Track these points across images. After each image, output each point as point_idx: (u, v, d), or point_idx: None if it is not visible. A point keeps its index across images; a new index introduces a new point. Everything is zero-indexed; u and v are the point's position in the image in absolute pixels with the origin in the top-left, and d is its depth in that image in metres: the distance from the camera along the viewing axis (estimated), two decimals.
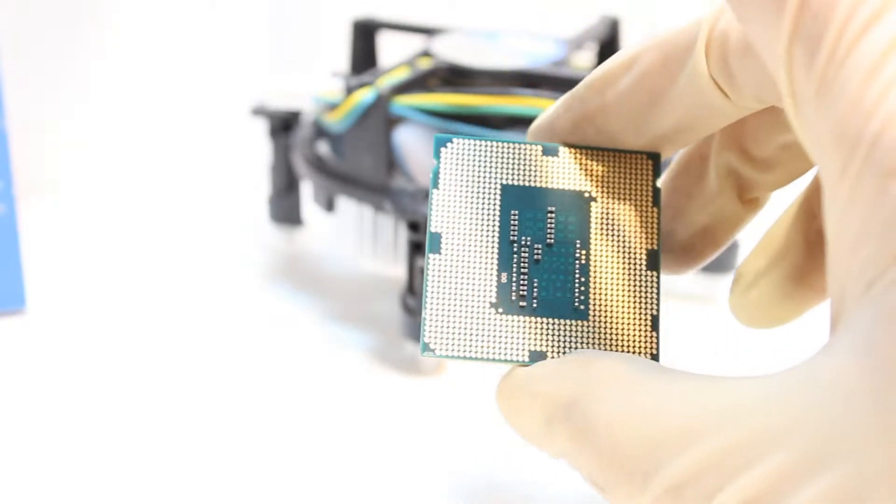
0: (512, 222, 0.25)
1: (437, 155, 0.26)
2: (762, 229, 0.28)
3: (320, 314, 0.48)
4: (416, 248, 0.43)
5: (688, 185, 0.27)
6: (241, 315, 0.48)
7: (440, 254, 0.25)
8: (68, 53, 0.59)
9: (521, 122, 0.45)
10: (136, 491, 0.37)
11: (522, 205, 0.25)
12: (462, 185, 0.25)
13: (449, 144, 0.26)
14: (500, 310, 0.25)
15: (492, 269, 0.25)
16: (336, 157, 0.48)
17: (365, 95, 0.45)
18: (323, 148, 0.49)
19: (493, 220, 0.25)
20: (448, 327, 0.24)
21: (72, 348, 0.45)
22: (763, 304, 0.27)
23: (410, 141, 0.46)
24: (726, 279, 0.48)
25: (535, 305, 0.25)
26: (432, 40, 0.49)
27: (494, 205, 0.25)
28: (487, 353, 0.24)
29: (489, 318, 0.24)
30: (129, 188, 0.59)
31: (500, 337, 0.24)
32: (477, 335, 0.24)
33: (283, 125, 0.51)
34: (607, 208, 0.26)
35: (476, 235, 0.25)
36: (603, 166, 0.26)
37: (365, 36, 0.53)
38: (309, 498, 0.36)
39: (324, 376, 0.44)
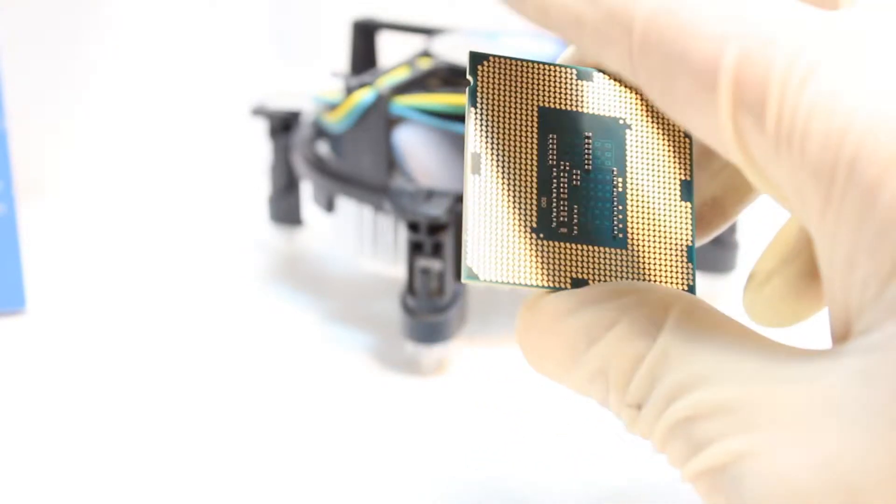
0: (550, 146, 0.25)
1: (474, 72, 0.25)
2: (773, 229, 0.28)
3: (320, 314, 0.48)
4: (416, 248, 0.43)
5: (698, 152, 0.27)
6: (241, 315, 0.48)
7: (480, 175, 0.24)
8: (68, 53, 0.59)
9: None
10: (136, 491, 0.37)
11: (560, 129, 0.25)
12: (500, 105, 0.25)
13: (486, 62, 0.25)
14: (542, 235, 0.24)
15: (532, 192, 0.24)
16: (336, 157, 0.48)
17: (365, 95, 0.45)
18: (323, 148, 0.49)
19: (532, 143, 0.24)
20: (491, 251, 0.24)
21: (72, 348, 0.45)
22: (776, 302, 0.27)
23: (410, 141, 0.46)
24: (726, 279, 0.48)
25: (575, 232, 0.24)
26: (432, 40, 0.49)
27: (532, 127, 0.25)
28: (531, 279, 0.24)
29: (531, 244, 0.24)
30: (129, 188, 0.59)
31: (543, 263, 0.24)
32: (520, 260, 0.24)
33: (283, 125, 0.51)
34: (642, 136, 0.25)
35: (516, 157, 0.24)
36: (636, 93, 0.25)
37: (365, 36, 0.53)
38: (309, 498, 0.36)
39: (324, 376, 0.44)
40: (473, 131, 0.24)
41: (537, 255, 0.24)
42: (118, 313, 0.48)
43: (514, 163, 0.24)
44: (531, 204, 0.24)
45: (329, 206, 0.48)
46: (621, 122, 0.25)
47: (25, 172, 0.50)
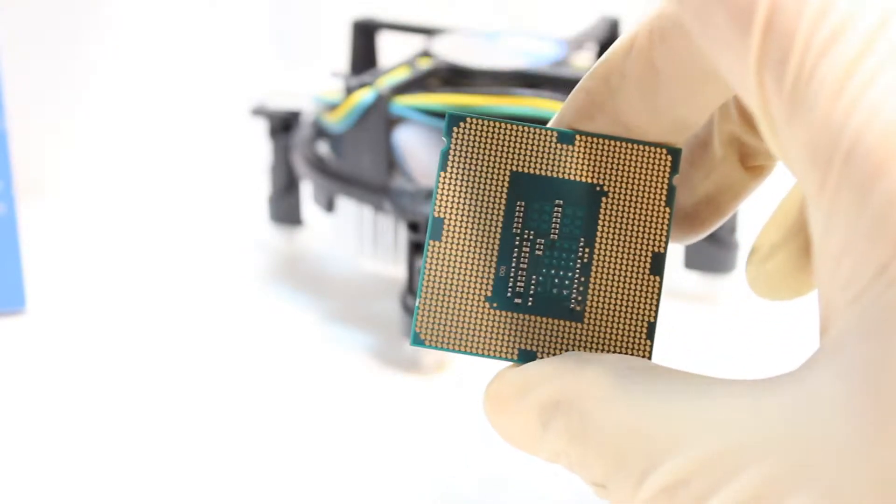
0: (517, 213, 0.24)
1: (449, 134, 0.24)
2: (773, 207, 0.28)
3: (320, 314, 0.48)
4: (416, 248, 0.43)
5: (691, 152, 0.26)
6: (241, 315, 0.48)
7: (440, 241, 0.24)
8: (68, 53, 0.59)
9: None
10: (136, 491, 0.37)
11: (530, 195, 0.24)
12: (470, 169, 0.24)
13: (462, 124, 0.24)
14: (495, 304, 0.24)
15: (491, 261, 0.24)
16: (336, 157, 0.48)
17: (365, 95, 0.45)
18: (323, 148, 0.49)
19: (499, 210, 0.24)
20: (441, 318, 0.24)
21: (72, 348, 0.45)
22: (779, 276, 0.27)
23: (410, 141, 0.46)
24: (727, 279, 0.48)
25: (530, 303, 0.24)
26: (432, 40, 0.49)
27: (502, 193, 0.24)
28: (477, 347, 0.24)
29: (483, 312, 0.24)
30: (129, 188, 0.59)
31: (492, 332, 0.24)
32: (469, 329, 0.24)
33: (283, 125, 0.51)
34: (618, 204, 0.25)
35: (479, 224, 0.24)
36: (619, 158, 0.25)
37: (365, 36, 0.53)
38: (309, 498, 0.36)
39: (324, 376, 0.44)
40: (439, 196, 0.24)
41: (487, 325, 0.24)
42: (118, 313, 0.48)
43: (477, 230, 0.24)
44: (489, 272, 0.24)
45: (329, 206, 0.48)
46: (598, 188, 0.25)
47: (25, 172, 0.50)
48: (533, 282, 0.24)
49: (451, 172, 0.24)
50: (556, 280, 0.24)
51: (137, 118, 0.62)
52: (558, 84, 0.46)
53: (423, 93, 0.46)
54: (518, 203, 0.24)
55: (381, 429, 0.40)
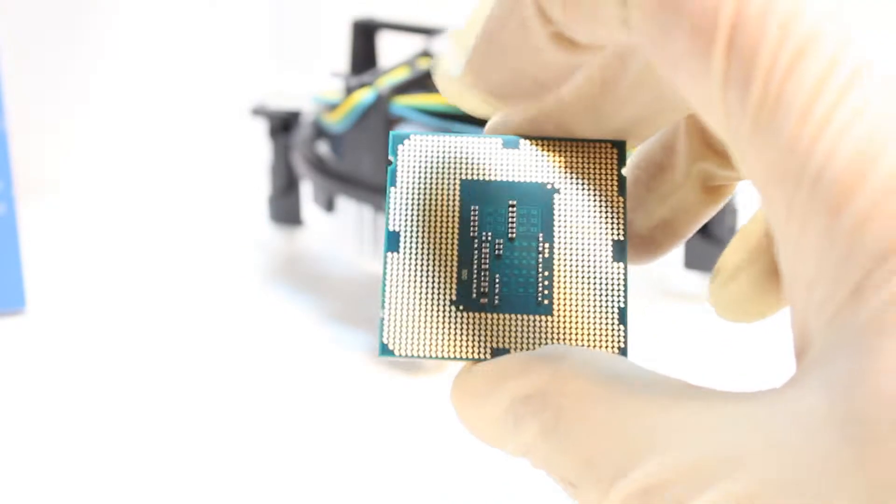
0: (472, 218, 0.24)
1: (394, 152, 0.25)
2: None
3: (320, 314, 0.48)
4: None
5: (648, 176, 0.26)
6: (242, 315, 0.48)
7: (398, 252, 0.24)
8: (68, 53, 0.59)
9: None
10: (136, 491, 0.37)
11: (483, 200, 0.25)
12: (420, 182, 0.25)
13: (406, 141, 0.25)
14: (461, 307, 0.24)
15: (451, 266, 0.24)
16: (336, 157, 0.48)
17: (365, 95, 0.45)
18: (323, 148, 0.49)
19: (453, 217, 0.24)
20: (407, 327, 0.24)
21: (72, 348, 0.45)
22: (741, 298, 0.27)
23: None
24: None
25: (497, 302, 0.24)
26: (432, 40, 0.49)
27: (454, 201, 0.25)
28: (448, 351, 0.24)
29: (450, 316, 0.24)
30: (128, 188, 0.59)
31: (462, 334, 0.24)
32: (437, 333, 0.24)
33: (283, 125, 0.51)
34: (571, 199, 0.25)
35: (435, 232, 0.24)
36: (565, 157, 0.25)
37: (365, 36, 0.53)
38: (309, 497, 0.36)
39: (324, 376, 0.44)
40: (392, 210, 0.24)
41: (456, 328, 0.24)
42: (118, 313, 0.48)
43: (434, 237, 0.25)
44: (451, 277, 0.24)
45: (329, 206, 0.48)
46: (549, 186, 0.25)
47: (25, 172, 0.50)
48: (497, 281, 0.24)
49: (401, 187, 0.25)
50: (521, 277, 0.24)
51: (137, 118, 0.62)
52: None
53: (423, 93, 0.46)
54: (472, 207, 0.25)
55: (380, 429, 0.40)
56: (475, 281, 0.24)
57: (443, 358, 0.24)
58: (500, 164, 0.25)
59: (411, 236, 0.24)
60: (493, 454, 0.39)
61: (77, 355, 0.45)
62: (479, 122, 0.45)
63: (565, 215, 0.25)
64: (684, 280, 0.49)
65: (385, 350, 0.23)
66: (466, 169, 0.25)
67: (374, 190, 0.45)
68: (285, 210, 0.53)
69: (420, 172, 0.25)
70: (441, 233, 0.25)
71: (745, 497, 0.18)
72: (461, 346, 0.24)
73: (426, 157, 0.25)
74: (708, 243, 0.48)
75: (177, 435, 0.39)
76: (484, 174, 0.25)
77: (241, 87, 0.63)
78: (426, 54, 0.49)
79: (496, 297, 0.24)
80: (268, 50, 0.67)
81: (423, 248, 0.24)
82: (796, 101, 0.18)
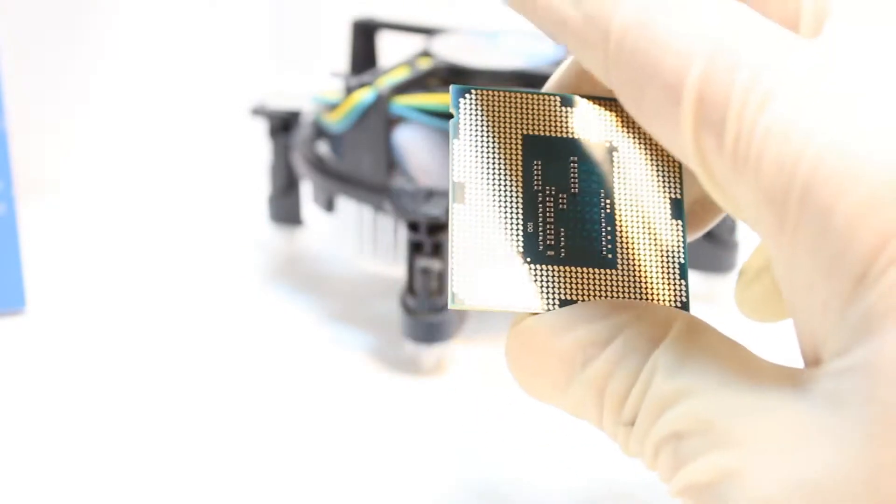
0: (535, 172, 0.25)
1: (456, 105, 0.25)
2: None
3: (320, 314, 0.48)
4: (416, 248, 0.43)
5: None
6: (242, 315, 0.48)
7: (465, 203, 0.24)
8: (68, 53, 0.59)
9: None
10: (136, 491, 0.37)
11: (545, 155, 0.25)
12: (483, 135, 0.25)
13: (467, 95, 0.25)
14: (529, 258, 0.24)
15: (517, 218, 0.24)
16: (336, 157, 0.48)
17: (365, 95, 0.45)
18: (323, 148, 0.49)
19: (517, 170, 0.25)
20: (476, 277, 0.24)
21: (72, 348, 0.45)
22: (764, 299, 0.28)
23: (410, 141, 0.46)
24: (726, 279, 0.48)
25: (562, 254, 0.24)
26: (432, 40, 0.49)
27: (517, 154, 0.25)
28: (518, 303, 0.24)
29: (518, 267, 0.24)
30: (129, 188, 0.59)
31: (530, 286, 0.24)
32: (506, 285, 0.24)
33: (283, 125, 0.51)
34: (629, 158, 0.25)
35: (500, 185, 0.24)
36: (622, 116, 0.25)
37: (365, 36, 0.53)
38: (309, 498, 0.36)
39: (324, 376, 0.44)
40: (456, 163, 0.25)
41: (525, 279, 0.24)
42: (118, 313, 0.48)
43: (499, 190, 0.25)
44: (517, 229, 0.24)
45: (329, 206, 0.48)
46: (607, 144, 0.25)
47: (25, 172, 0.50)
48: (562, 234, 0.24)
49: (464, 140, 0.25)
50: (585, 231, 0.24)
51: (137, 118, 0.62)
52: None
53: (423, 93, 0.46)
54: (535, 162, 0.25)
55: (380, 429, 0.40)
56: (541, 234, 0.24)
57: (512, 309, 0.24)
58: (560, 121, 0.25)
59: (476, 188, 0.24)
60: (493, 455, 0.39)
61: (77, 355, 0.45)
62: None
63: (625, 173, 0.25)
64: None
65: (455, 299, 0.23)
66: (528, 124, 0.25)
67: (374, 190, 0.45)
68: (285, 210, 0.53)
69: (482, 126, 0.25)
70: (506, 185, 0.25)
71: (751, 469, 0.19)
72: (530, 297, 0.24)
73: (488, 111, 0.25)
74: (708, 243, 0.48)
75: (177, 435, 0.39)
76: (545, 129, 0.25)
77: (241, 87, 0.63)
78: (426, 54, 0.49)
79: (562, 249, 0.24)
80: (268, 50, 0.67)
81: (488, 200, 0.24)
82: (774, 129, 0.19)
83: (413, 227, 0.43)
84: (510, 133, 0.25)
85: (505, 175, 0.25)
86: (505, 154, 0.25)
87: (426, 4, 0.66)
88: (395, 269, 0.48)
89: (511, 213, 0.24)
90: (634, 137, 0.25)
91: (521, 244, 0.24)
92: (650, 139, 0.25)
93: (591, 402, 0.23)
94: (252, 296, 0.50)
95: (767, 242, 0.20)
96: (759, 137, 0.19)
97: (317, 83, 0.51)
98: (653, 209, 0.25)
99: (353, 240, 0.48)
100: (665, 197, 0.25)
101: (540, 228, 0.24)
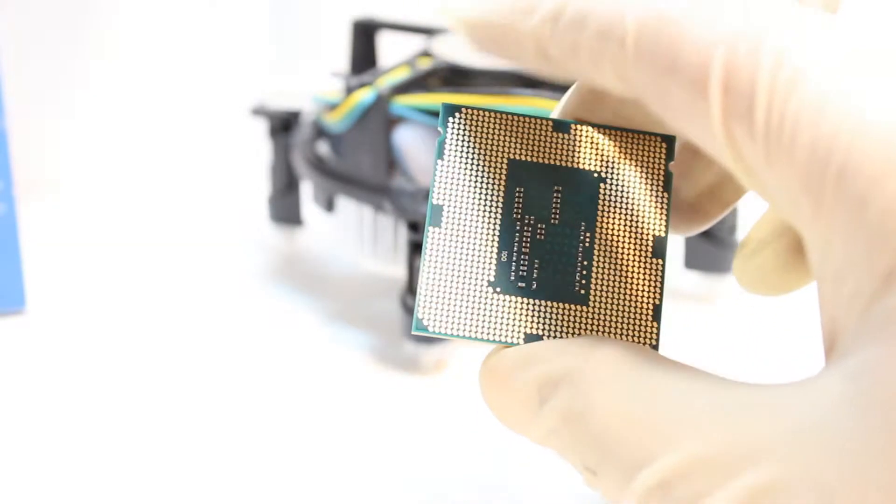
0: (517, 199, 0.24)
1: (444, 124, 0.25)
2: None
3: (320, 314, 0.48)
4: (416, 248, 0.43)
5: (690, 143, 0.26)
6: (242, 315, 0.48)
7: (440, 227, 0.24)
8: (68, 53, 0.59)
9: None
10: (136, 491, 0.37)
11: (529, 181, 0.25)
12: (468, 157, 0.25)
13: (457, 114, 0.25)
14: (498, 289, 0.24)
15: (492, 246, 0.24)
16: (336, 157, 0.48)
17: (365, 95, 0.45)
18: (323, 148, 0.49)
19: (498, 196, 0.24)
20: (443, 304, 0.24)
21: (72, 348, 0.45)
22: (765, 272, 0.27)
23: (410, 141, 0.46)
24: (726, 279, 0.48)
25: (534, 287, 0.24)
26: (432, 40, 0.49)
27: (500, 180, 0.24)
28: (482, 333, 0.24)
29: (486, 297, 0.24)
30: (129, 188, 0.59)
31: (497, 317, 0.24)
32: (472, 314, 0.24)
33: (283, 125, 0.51)
34: (616, 189, 0.25)
35: (478, 210, 0.24)
36: (615, 146, 0.25)
37: (365, 36, 0.53)
38: (309, 497, 0.36)
39: (324, 376, 0.44)
40: (437, 183, 0.24)
41: (491, 310, 0.24)
42: (118, 313, 0.48)
43: (477, 216, 0.24)
44: (490, 257, 0.24)
45: (329, 206, 0.48)
46: (596, 175, 0.25)
47: (25, 172, 0.50)
48: (536, 265, 0.24)
49: (448, 161, 0.24)
50: (560, 264, 0.24)
51: (137, 118, 0.62)
52: (557, 84, 0.46)
53: (423, 93, 0.46)
54: (517, 189, 0.24)
55: (380, 429, 0.40)
56: (514, 264, 0.24)
57: (475, 339, 0.24)
58: (549, 147, 0.25)
59: (454, 212, 0.24)
60: (493, 455, 0.39)
61: (77, 355, 0.45)
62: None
63: (609, 205, 0.25)
64: (684, 280, 0.49)
65: (419, 326, 0.23)
66: (515, 148, 0.25)
67: (374, 190, 0.45)
68: (285, 210, 0.53)
69: (468, 147, 0.25)
70: (484, 211, 0.24)
71: (768, 487, 0.18)
72: (495, 329, 0.24)
73: (476, 131, 0.25)
74: (708, 243, 0.48)
75: (177, 435, 0.39)
76: (532, 155, 0.25)
77: (241, 87, 0.63)
78: (426, 54, 0.49)
79: (534, 281, 0.24)
80: (268, 50, 0.67)
81: (464, 226, 0.24)
82: (806, 110, 0.18)
83: (413, 227, 0.43)
84: (496, 156, 0.25)
85: (485, 200, 0.24)
86: (488, 178, 0.25)
87: (426, 4, 0.66)
88: (395, 269, 0.48)
89: (486, 240, 0.24)
90: (626, 169, 0.25)
91: (492, 273, 0.24)
92: (640, 172, 0.25)
93: (552, 442, 0.22)
94: (252, 296, 0.50)
95: (802, 229, 0.20)
96: (789, 123, 0.19)
97: (317, 83, 0.51)
98: (634, 245, 0.25)
99: (353, 240, 0.48)
100: (649, 233, 0.25)
101: (514, 258, 0.24)
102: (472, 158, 0.25)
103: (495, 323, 0.24)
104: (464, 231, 0.24)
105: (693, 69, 0.20)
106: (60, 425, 0.40)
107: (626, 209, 0.25)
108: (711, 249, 0.48)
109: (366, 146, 0.45)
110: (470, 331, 0.24)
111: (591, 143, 0.25)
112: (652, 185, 0.25)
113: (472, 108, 0.25)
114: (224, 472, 0.38)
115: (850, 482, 0.18)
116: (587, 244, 0.24)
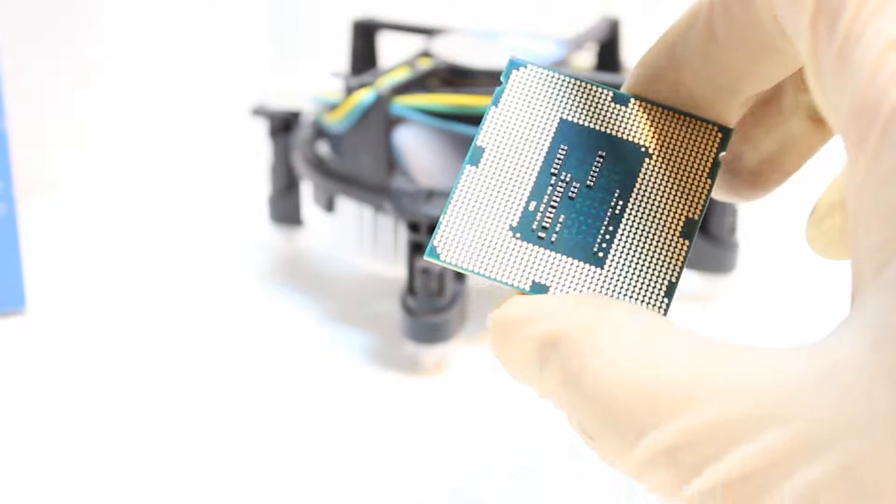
0: (559, 156, 0.25)
1: (507, 76, 0.25)
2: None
3: (320, 314, 0.48)
4: (416, 248, 0.43)
5: (756, 108, 0.26)
6: (241, 315, 0.48)
7: (477, 167, 0.25)
8: (68, 53, 0.59)
9: None
10: (136, 491, 0.37)
11: (574, 143, 0.25)
12: (521, 110, 0.25)
13: (522, 69, 0.25)
14: (518, 234, 0.24)
15: (523, 194, 0.24)
16: (336, 158, 0.48)
17: (365, 96, 0.45)
18: (323, 148, 0.49)
19: (541, 150, 0.25)
20: (461, 237, 0.24)
21: (72, 348, 0.45)
22: (833, 237, 0.27)
23: (410, 141, 0.46)
24: (726, 279, 0.48)
25: (553, 240, 0.24)
26: (432, 40, 0.49)
27: (547, 136, 0.25)
28: (491, 271, 0.24)
29: (504, 240, 0.24)
30: (129, 188, 0.59)
31: (509, 260, 0.24)
32: (486, 252, 0.24)
33: (283, 125, 0.51)
34: (660, 167, 0.25)
35: (519, 159, 0.25)
36: (670, 126, 0.25)
37: (365, 36, 0.53)
38: (309, 498, 0.36)
39: (324, 376, 0.44)
40: (485, 127, 0.25)
41: (506, 252, 0.24)
42: (118, 313, 0.48)
43: (516, 164, 0.25)
44: (518, 204, 0.24)
45: (329, 206, 0.48)
46: (643, 148, 0.25)
47: (25, 172, 0.50)
48: (560, 221, 0.24)
49: (502, 110, 0.25)
50: (585, 225, 0.24)
51: (137, 118, 0.62)
52: None
53: (423, 93, 0.46)
54: (561, 147, 0.25)
55: (380, 429, 0.40)
56: (539, 214, 0.24)
57: (482, 275, 0.24)
58: (604, 115, 0.25)
59: (494, 156, 0.25)
60: (493, 455, 0.39)
61: (77, 355, 0.45)
62: (479, 122, 0.45)
63: (649, 180, 0.25)
64: (684, 280, 0.49)
65: (433, 252, 0.24)
66: (570, 110, 0.25)
67: (374, 190, 0.45)
68: (285, 210, 0.53)
69: (524, 101, 0.25)
70: (524, 161, 0.25)
71: (785, 449, 0.18)
72: (504, 271, 0.24)
73: (535, 88, 0.25)
74: (708, 243, 0.48)
75: (177, 435, 0.39)
76: (584, 119, 0.25)
77: (241, 87, 0.63)
78: (426, 54, 0.49)
79: (554, 234, 0.24)
80: (268, 50, 0.67)
81: (501, 171, 0.25)
82: (880, 39, 0.18)
83: (413, 227, 0.43)
84: (549, 114, 0.25)
85: (528, 151, 0.25)
86: (536, 132, 0.25)
87: (426, 4, 0.66)
88: (395, 269, 0.48)
89: (519, 187, 0.25)
90: (674, 151, 0.25)
91: (516, 219, 0.24)
92: (689, 156, 0.25)
93: (551, 399, 0.22)
94: (252, 296, 0.50)
95: (848, 160, 0.19)
96: (864, 43, 0.18)
97: (317, 83, 0.51)
98: (664, 222, 0.25)
99: (353, 240, 0.48)
100: (681, 214, 0.25)
101: (541, 209, 0.24)
102: (526, 112, 0.25)
103: (506, 265, 0.24)
104: (499, 175, 0.25)
105: None
106: (60, 425, 0.40)
107: (666, 187, 0.25)
108: (711, 249, 0.48)
109: (366, 146, 0.45)
110: (480, 267, 0.24)
111: (647, 119, 0.25)
112: (698, 169, 0.25)
113: (538, 66, 0.26)
114: (223, 472, 0.38)
115: (869, 444, 0.17)
116: (617, 211, 0.25)
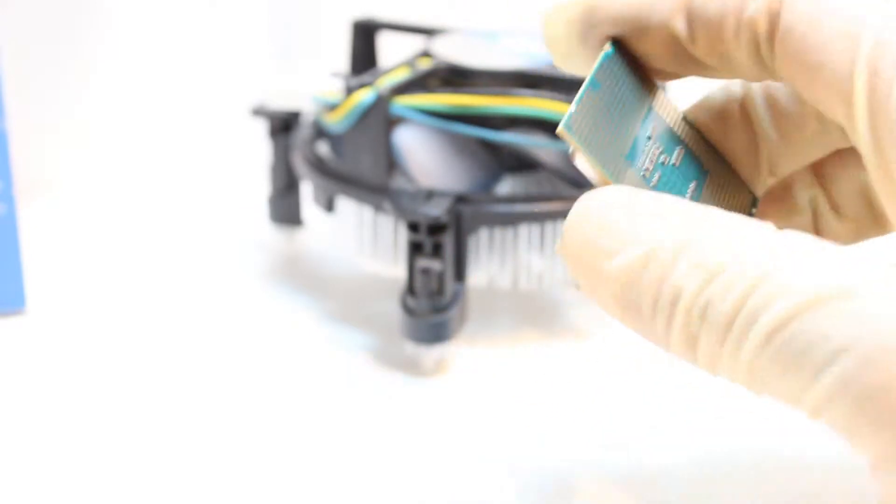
0: (652, 126, 0.27)
1: (612, 51, 0.27)
2: None
3: (320, 314, 0.48)
4: (416, 249, 0.43)
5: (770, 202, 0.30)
6: (241, 315, 0.48)
7: (598, 91, 0.26)
8: (68, 53, 0.59)
9: (521, 123, 0.45)
10: (135, 491, 0.37)
11: (659, 131, 0.27)
12: (624, 77, 0.27)
13: (622, 49, 0.27)
14: (628, 160, 0.26)
15: (632, 132, 0.26)
16: (336, 158, 0.48)
17: (365, 96, 0.45)
18: (323, 148, 0.49)
19: (639, 113, 0.26)
20: (591, 126, 0.25)
21: (72, 349, 0.45)
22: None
23: (410, 141, 0.46)
24: None
25: (653, 183, 0.26)
26: (432, 40, 0.49)
27: (642, 108, 0.27)
28: (608, 164, 0.25)
29: (619, 161, 0.25)
30: (129, 188, 0.59)
31: (620, 170, 0.25)
32: (607, 149, 0.25)
33: (283, 125, 0.51)
34: (714, 191, 0.27)
35: (624, 108, 0.26)
36: (719, 165, 0.28)
37: (365, 36, 0.53)
38: (309, 498, 0.36)
39: (324, 376, 0.44)
40: (599, 68, 0.26)
41: (618, 162, 0.25)
42: (118, 313, 0.48)
43: (622, 110, 0.26)
44: (629, 139, 0.26)
45: (329, 206, 0.48)
46: (704, 168, 0.28)
47: (25, 172, 0.50)
48: (657, 175, 0.26)
49: (612, 64, 0.26)
50: (675, 191, 0.26)
51: (137, 118, 0.62)
52: (558, 84, 0.46)
53: (423, 93, 0.46)
54: (653, 125, 0.27)
55: (380, 429, 0.40)
56: (644, 156, 0.26)
57: (601, 165, 0.25)
58: (678, 123, 0.28)
59: (608, 93, 0.26)
60: (494, 455, 0.39)
61: (77, 355, 0.45)
62: (479, 123, 0.45)
63: (709, 192, 0.27)
64: None
65: (568, 124, 0.25)
66: (656, 102, 0.28)
67: (374, 190, 0.45)
68: (285, 210, 0.53)
69: (625, 73, 0.27)
70: (629, 113, 0.26)
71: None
72: (617, 170, 0.25)
73: (631, 71, 0.27)
74: None
75: (177, 435, 0.39)
76: (666, 117, 0.28)
77: (241, 88, 0.63)
78: (426, 54, 0.49)
79: (654, 180, 0.26)
80: (268, 50, 0.67)
81: (614, 106, 0.26)
82: None
83: (413, 227, 0.43)
84: (642, 96, 0.27)
85: (630, 109, 0.26)
86: (634, 99, 0.27)
87: (426, 4, 0.66)
88: (395, 270, 0.48)
89: (629, 127, 0.26)
90: (722, 187, 0.28)
91: (626, 149, 0.26)
92: (732, 199, 0.28)
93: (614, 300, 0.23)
94: (252, 296, 0.50)
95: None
96: None
97: (317, 83, 0.51)
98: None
99: (353, 240, 0.48)
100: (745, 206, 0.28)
101: (645, 151, 0.26)
102: (627, 80, 0.27)
103: (618, 168, 0.25)
104: (612, 107, 0.26)
105: (836, 71, 0.21)
106: (61, 425, 0.40)
107: (719, 204, 0.27)
108: None
109: (366, 146, 0.45)
110: (599, 158, 0.25)
111: (705, 147, 0.28)
112: (739, 205, 0.28)
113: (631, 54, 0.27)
114: (224, 472, 0.38)
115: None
116: (691, 197, 0.27)
